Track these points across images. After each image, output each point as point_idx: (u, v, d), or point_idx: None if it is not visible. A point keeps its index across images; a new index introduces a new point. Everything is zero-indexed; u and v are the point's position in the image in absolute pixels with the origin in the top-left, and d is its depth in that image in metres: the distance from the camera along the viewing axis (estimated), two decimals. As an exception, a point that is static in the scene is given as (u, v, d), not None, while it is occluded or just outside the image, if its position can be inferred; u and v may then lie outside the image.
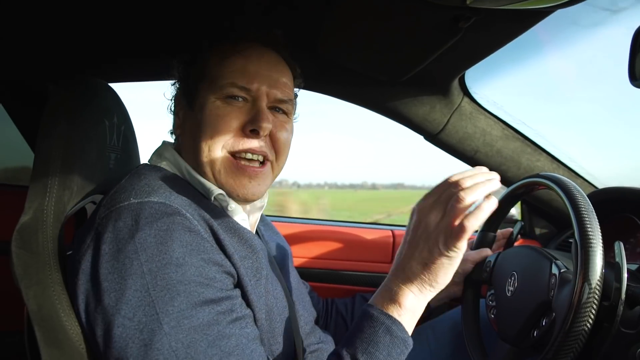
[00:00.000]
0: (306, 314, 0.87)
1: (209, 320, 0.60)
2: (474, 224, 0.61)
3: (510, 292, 0.86)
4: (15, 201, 0.75)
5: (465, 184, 0.64)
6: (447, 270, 0.65)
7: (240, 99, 0.75)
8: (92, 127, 0.74)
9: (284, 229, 1.38)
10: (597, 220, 0.69)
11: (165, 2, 0.83)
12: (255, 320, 0.69)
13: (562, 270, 0.75)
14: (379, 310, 0.67)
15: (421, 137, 1.26)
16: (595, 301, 0.65)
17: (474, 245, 1.07)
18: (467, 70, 1.05)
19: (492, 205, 0.63)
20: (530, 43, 0.94)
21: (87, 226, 0.65)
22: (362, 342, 0.65)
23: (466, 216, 0.61)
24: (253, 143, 0.74)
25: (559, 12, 0.73)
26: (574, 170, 1.27)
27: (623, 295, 0.67)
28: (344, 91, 1.19)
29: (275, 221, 1.46)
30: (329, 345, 0.90)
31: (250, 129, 0.74)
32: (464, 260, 1.04)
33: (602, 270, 0.65)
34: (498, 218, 1.04)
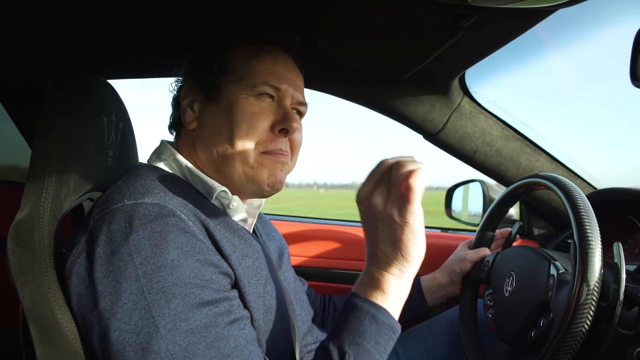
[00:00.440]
0: (303, 313, 0.87)
1: (207, 322, 0.60)
2: (420, 182, 0.61)
3: (508, 292, 0.86)
4: (12, 198, 0.75)
5: (399, 160, 0.65)
6: (415, 241, 0.64)
7: (268, 98, 0.76)
8: (90, 123, 0.74)
9: (282, 227, 1.37)
10: (596, 220, 0.69)
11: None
12: (252, 321, 0.69)
13: (560, 272, 0.75)
14: (363, 299, 0.66)
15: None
16: (594, 302, 0.65)
17: (473, 245, 1.07)
18: (468, 69, 1.05)
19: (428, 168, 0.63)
20: (531, 42, 0.94)
21: (81, 227, 0.65)
22: (349, 333, 0.64)
23: (410, 177, 0.61)
24: (282, 143, 0.77)
25: (560, 12, 0.73)
26: (573, 171, 1.27)
27: (621, 296, 0.67)
28: (344, 90, 1.18)
29: (273, 219, 1.46)
30: (327, 345, 0.90)
31: (280, 129, 0.75)
32: (462, 260, 1.04)
33: (600, 270, 0.65)
34: (497, 218, 1.04)
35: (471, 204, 1.41)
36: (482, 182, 1.35)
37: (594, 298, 0.65)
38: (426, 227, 1.67)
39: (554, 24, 0.81)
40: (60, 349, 0.61)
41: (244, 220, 0.79)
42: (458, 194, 1.46)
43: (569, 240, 1.25)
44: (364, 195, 0.66)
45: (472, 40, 0.84)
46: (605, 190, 1.15)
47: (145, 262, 0.58)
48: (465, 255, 1.04)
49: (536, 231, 1.45)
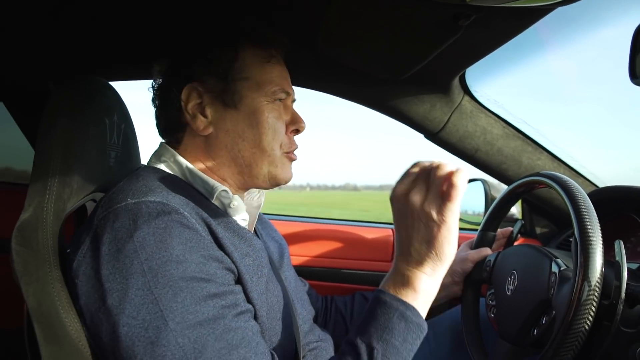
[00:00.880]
0: (305, 312, 0.88)
1: (215, 314, 0.60)
2: (462, 181, 0.63)
3: (510, 291, 0.86)
4: (16, 199, 0.75)
5: (440, 162, 0.67)
6: (450, 240, 0.65)
7: (281, 101, 0.81)
8: (93, 125, 0.75)
9: (282, 227, 1.38)
10: (597, 218, 0.69)
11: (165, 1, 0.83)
12: (256, 317, 0.69)
13: (562, 268, 0.75)
14: (392, 296, 0.67)
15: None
16: (595, 300, 0.65)
17: (474, 245, 1.07)
18: (468, 68, 1.05)
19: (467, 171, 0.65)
20: (531, 41, 0.94)
21: (85, 227, 0.66)
22: (377, 329, 0.65)
23: (452, 176, 0.63)
24: (295, 142, 0.83)
25: (560, 10, 0.73)
26: (575, 169, 1.26)
27: (623, 294, 0.67)
28: (344, 89, 1.19)
29: (274, 219, 1.46)
30: (328, 344, 0.90)
31: (293, 129, 0.82)
32: (464, 260, 1.04)
33: (602, 268, 0.65)
34: (498, 217, 1.04)
35: (473, 202, 1.41)
36: (483, 181, 1.35)
37: (596, 296, 0.65)
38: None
39: (554, 23, 0.81)
40: (64, 347, 0.62)
41: (244, 220, 0.80)
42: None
43: (571, 239, 1.25)
44: (400, 193, 0.67)
45: (472, 39, 0.85)
46: (606, 188, 1.15)
47: (150, 258, 0.59)
48: (466, 255, 1.04)
49: (538, 230, 1.44)
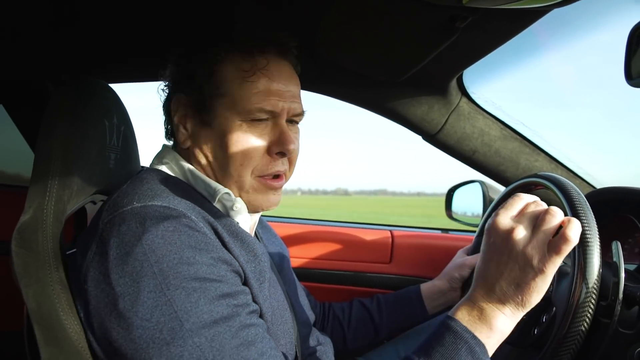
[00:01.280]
0: (305, 317, 0.88)
1: (229, 312, 0.61)
2: (577, 236, 0.60)
3: (508, 292, 0.86)
4: (16, 201, 0.76)
5: (545, 204, 0.64)
6: (540, 289, 0.62)
7: (264, 121, 0.74)
8: (92, 127, 0.75)
9: (282, 229, 1.38)
10: (594, 220, 0.69)
11: (164, 2, 0.83)
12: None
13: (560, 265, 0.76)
14: (464, 328, 0.63)
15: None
16: (593, 301, 0.65)
17: (471, 251, 1.08)
18: (465, 70, 1.06)
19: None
20: (528, 43, 0.94)
21: (90, 231, 0.65)
22: (442, 355, 0.62)
23: (566, 228, 0.60)
24: (279, 166, 0.75)
25: (555, 12, 0.74)
26: (573, 171, 1.27)
27: (620, 295, 0.67)
28: (342, 91, 1.19)
29: (273, 222, 1.46)
30: (328, 348, 0.90)
31: (277, 152, 0.74)
32: (461, 266, 1.04)
33: (599, 269, 0.66)
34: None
35: (471, 204, 1.42)
36: (482, 183, 1.35)
37: (593, 297, 0.65)
38: (427, 228, 1.67)
39: (553, 24, 0.81)
40: (64, 349, 0.62)
41: (246, 223, 0.80)
42: (458, 195, 1.47)
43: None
44: (504, 229, 0.63)
45: (469, 41, 0.85)
46: (604, 189, 1.15)
47: (160, 260, 0.59)
48: (463, 261, 1.05)
49: (536, 231, 1.44)
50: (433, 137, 1.22)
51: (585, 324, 0.65)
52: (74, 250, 0.69)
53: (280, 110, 0.74)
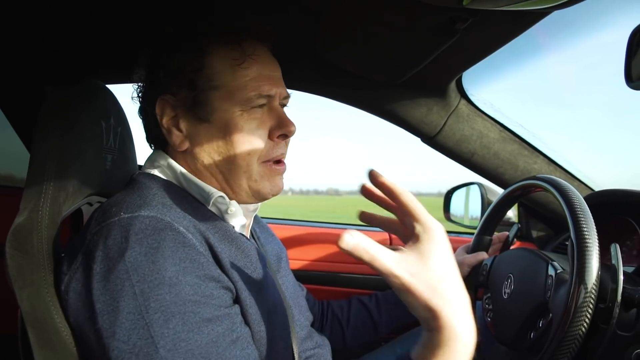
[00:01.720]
0: (302, 319, 0.87)
1: (208, 342, 0.58)
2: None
3: (506, 295, 0.86)
4: (11, 202, 0.75)
5: None
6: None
7: (262, 107, 0.74)
8: (89, 128, 0.74)
9: (279, 230, 1.37)
10: (593, 222, 0.69)
11: (164, 3, 0.83)
12: (253, 333, 0.67)
13: (558, 271, 0.75)
14: None
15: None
16: (591, 303, 0.65)
17: (470, 249, 1.07)
18: (465, 72, 1.06)
19: None
20: (528, 45, 0.94)
21: (79, 240, 0.64)
22: None
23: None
24: (282, 148, 0.76)
25: (557, 14, 0.74)
26: (571, 173, 1.27)
27: (619, 298, 0.67)
28: (341, 93, 1.19)
29: (271, 223, 1.46)
30: (326, 350, 0.90)
31: (279, 134, 0.74)
32: (460, 264, 1.04)
33: (598, 272, 0.65)
34: (494, 221, 1.04)
35: (470, 206, 1.42)
36: (480, 185, 1.35)
37: (592, 300, 0.65)
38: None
39: (553, 26, 0.81)
40: (58, 352, 0.61)
41: (242, 226, 0.79)
42: (457, 197, 1.47)
43: (567, 243, 1.25)
44: None
45: (468, 42, 0.85)
46: (603, 192, 1.15)
47: (142, 280, 0.57)
48: (463, 260, 1.04)
49: (535, 234, 1.45)
50: (432, 139, 1.22)
51: (583, 327, 0.65)
52: None
53: (275, 94, 0.75)
